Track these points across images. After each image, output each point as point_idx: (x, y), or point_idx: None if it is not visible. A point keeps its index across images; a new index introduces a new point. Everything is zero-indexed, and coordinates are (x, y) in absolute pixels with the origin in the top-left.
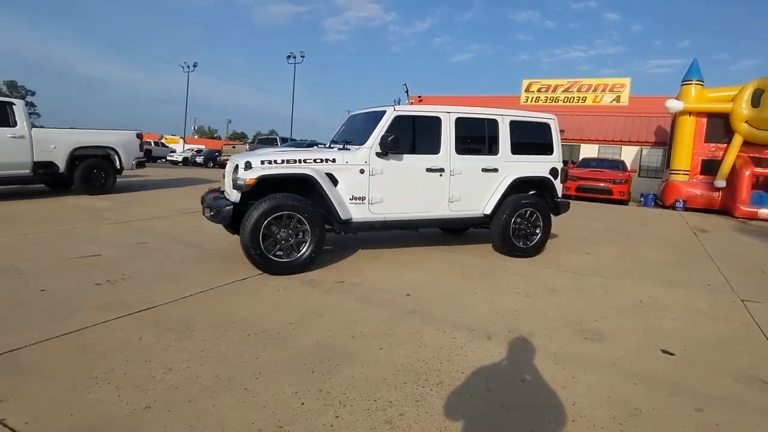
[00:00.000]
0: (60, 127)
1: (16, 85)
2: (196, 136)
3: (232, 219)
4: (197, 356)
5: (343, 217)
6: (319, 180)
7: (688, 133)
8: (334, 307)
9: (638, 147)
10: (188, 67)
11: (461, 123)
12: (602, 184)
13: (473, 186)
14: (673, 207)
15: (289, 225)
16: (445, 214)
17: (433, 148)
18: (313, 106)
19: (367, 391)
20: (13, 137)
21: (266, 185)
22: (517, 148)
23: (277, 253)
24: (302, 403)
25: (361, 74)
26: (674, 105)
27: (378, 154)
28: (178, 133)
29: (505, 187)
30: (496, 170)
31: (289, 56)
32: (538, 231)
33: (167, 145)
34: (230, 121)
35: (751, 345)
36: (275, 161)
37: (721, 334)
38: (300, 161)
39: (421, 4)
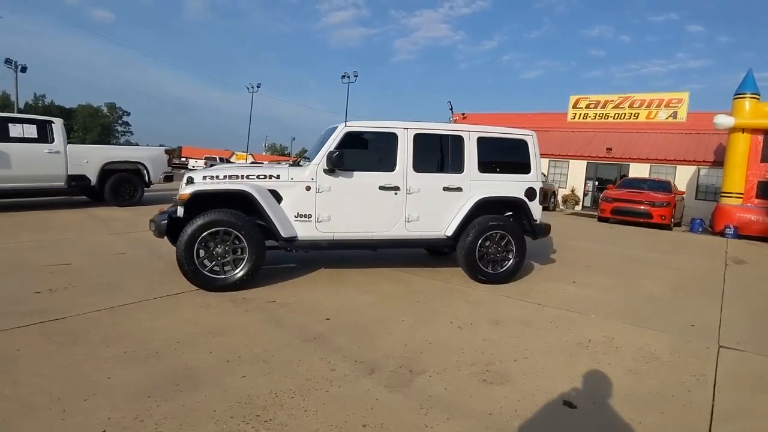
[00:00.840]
0: (148, 144)
1: (114, 106)
2: (266, 152)
3: (176, 233)
4: (53, 371)
5: (284, 235)
6: (256, 196)
7: (742, 151)
8: (237, 328)
9: (695, 167)
10: (253, 87)
11: (421, 139)
12: (641, 207)
13: (433, 206)
14: (722, 233)
15: (226, 241)
16: (402, 234)
17: (389, 165)
18: None
19: (182, 423)
20: (50, 152)
21: (209, 201)
22: (487, 167)
23: (214, 269)
24: (103, 431)
25: (427, 92)
26: (724, 121)
27: (326, 171)
28: (253, 149)
29: (469, 207)
30: (459, 189)
31: (343, 76)
32: (510, 256)
33: (231, 161)
34: (294, 139)
35: (684, 404)
36: (216, 177)
37: (658, 387)
38: (243, 177)
39: (489, 22)
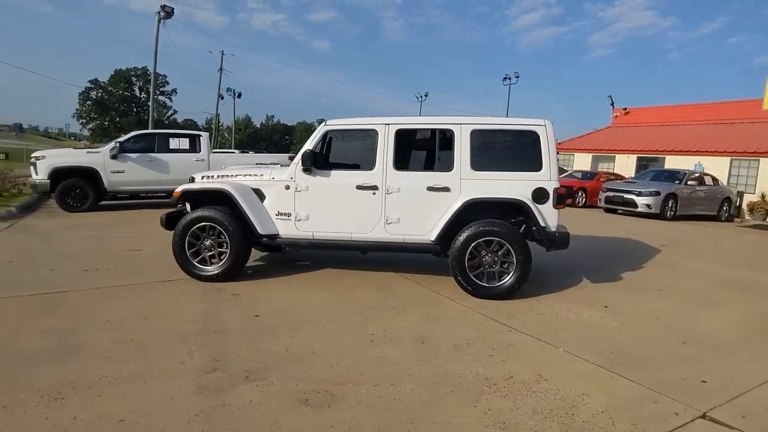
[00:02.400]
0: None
1: (324, 122)
2: None
3: None
4: None
5: (262, 232)
6: (233, 194)
7: None
8: (168, 315)
9: None
10: (421, 96)
11: (403, 135)
12: None
13: (415, 207)
14: None
15: (212, 236)
16: (382, 236)
17: (368, 163)
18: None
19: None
20: (197, 160)
21: (207, 199)
22: (484, 164)
23: (203, 261)
24: None
25: (629, 87)
26: None
27: (303, 170)
28: None
29: (455, 210)
30: (447, 189)
31: (505, 78)
32: (510, 269)
33: None
34: None
35: None
36: (211, 177)
37: None
38: (233, 176)
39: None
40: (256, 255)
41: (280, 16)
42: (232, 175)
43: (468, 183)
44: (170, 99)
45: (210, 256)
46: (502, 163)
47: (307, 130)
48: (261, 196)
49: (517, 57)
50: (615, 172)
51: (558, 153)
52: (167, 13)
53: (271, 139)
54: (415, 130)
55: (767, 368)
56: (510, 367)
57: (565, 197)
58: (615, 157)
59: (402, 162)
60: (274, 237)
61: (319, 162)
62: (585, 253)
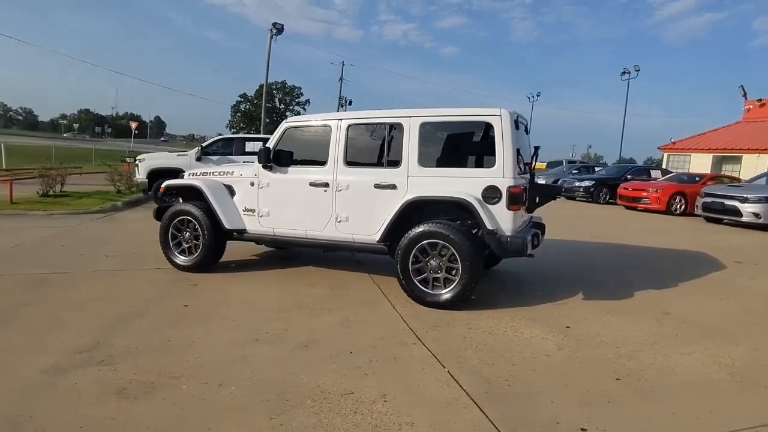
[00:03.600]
0: None
1: None
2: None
3: None
4: None
5: (228, 226)
6: (204, 190)
7: None
8: (114, 301)
9: None
10: (533, 97)
11: (355, 131)
12: None
13: (363, 205)
14: None
15: (189, 229)
16: (334, 235)
17: (321, 160)
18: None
19: None
20: None
21: (186, 193)
22: (433, 159)
23: (183, 250)
24: None
25: None
26: None
27: (263, 167)
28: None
29: (397, 209)
30: (393, 187)
31: (623, 72)
32: (456, 275)
33: None
34: (590, 146)
35: None
36: (196, 174)
37: None
38: (211, 174)
39: None
40: (257, 250)
41: (410, 25)
42: (215, 173)
43: (415, 180)
44: (304, 109)
45: (188, 247)
46: (452, 158)
47: None
48: (232, 192)
49: (657, 48)
50: (734, 176)
51: (677, 153)
52: (278, 30)
53: None
54: (365, 125)
55: None
56: (363, 382)
57: (520, 197)
58: (742, 157)
59: (352, 158)
60: (242, 232)
61: (283, 159)
62: (614, 264)
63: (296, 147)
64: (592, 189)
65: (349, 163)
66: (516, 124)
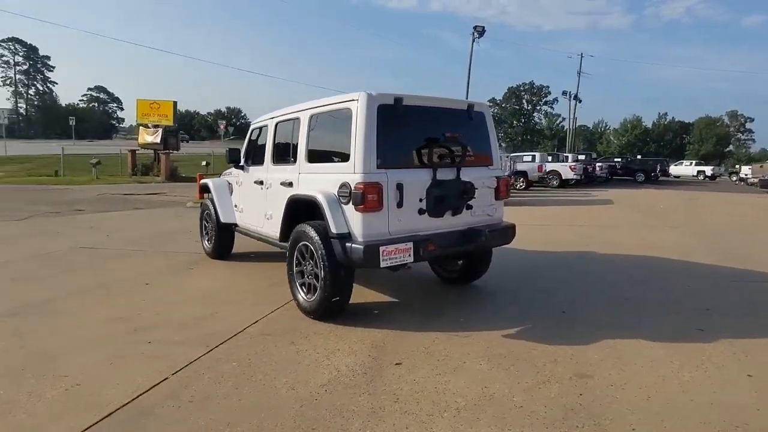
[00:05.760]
0: None
1: (735, 114)
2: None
3: None
4: None
5: (223, 220)
6: (210, 187)
7: None
8: (112, 272)
9: None
10: None
11: (281, 128)
12: None
13: (277, 203)
14: None
15: (208, 221)
16: (268, 232)
17: (262, 159)
18: None
19: None
20: None
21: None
22: (316, 154)
23: (208, 239)
24: None
25: None
26: None
27: (235, 167)
28: None
29: (283, 208)
30: (290, 185)
31: None
32: (320, 281)
33: None
34: None
35: None
36: (228, 173)
37: None
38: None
39: None
40: None
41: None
42: (228, 173)
43: (303, 177)
44: (552, 108)
45: (209, 236)
46: (328, 152)
47: (709, 125)
48: (231, 190)
49: None
50: None
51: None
52: (479, 32)
53: (663, 139)
54: (285, 122)
55: None
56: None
57: (365, 197)
58: None
59: (278, 156)
60: (235, 226)
61: (249, 159)
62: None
63: (256, 147)
64: None
65: (275, 160)
66: (392, 109)
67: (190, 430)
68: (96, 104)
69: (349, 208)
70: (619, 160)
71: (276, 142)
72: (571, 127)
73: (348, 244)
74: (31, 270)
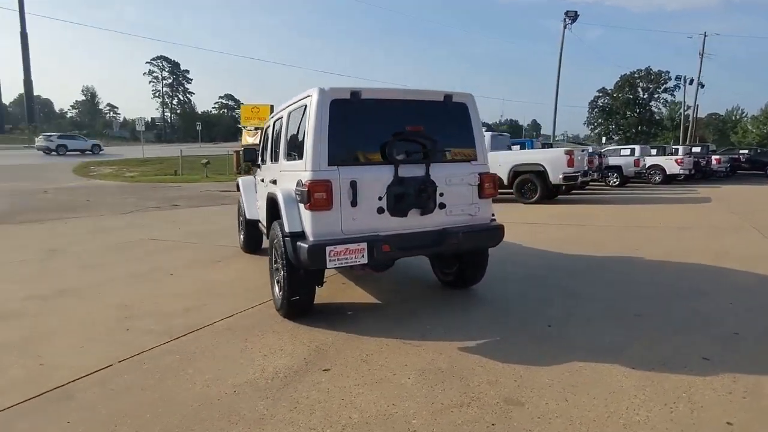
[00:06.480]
0: None
1: None
2: None
3: None
4: None
5: (248, 217)
6: (240, 186)
7: None
8: (134, 252)
9: None
10: None
11: (274, 126)
12: None
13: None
14: None
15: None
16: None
17: (264, 157)
18: None
19: None
20: None
21: None
22: (289, 152)
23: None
24: None
25: None
26: None
27: (253, 165)
28: None
29: (265, 206)
30: (275, 182)
31: None
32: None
33: None
34: None
35: None
36: None
37: None
38: None
39: None
40: None
41: None
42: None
43: (281, 175)
44: (673, 95)
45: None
46: (296, 149)
47: None
48: (256, 188)
49: None
50: None
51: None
52: (572, 18)
53: None
54: (277, 120)
55: None
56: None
57: (312, 195)
58: None
59: (272, 154)
60: (259, 222)
61: (263, 157)
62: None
63: (264, 146)
64: None
65: (272, 158)
66: (348, 104)
67: (90, 418)
68: (225, 110)
69: (303, 207)
70: (745, 152)
71: (271, 140)
72: (692, 115)
73: (297, 243)
74: (97, 258)
